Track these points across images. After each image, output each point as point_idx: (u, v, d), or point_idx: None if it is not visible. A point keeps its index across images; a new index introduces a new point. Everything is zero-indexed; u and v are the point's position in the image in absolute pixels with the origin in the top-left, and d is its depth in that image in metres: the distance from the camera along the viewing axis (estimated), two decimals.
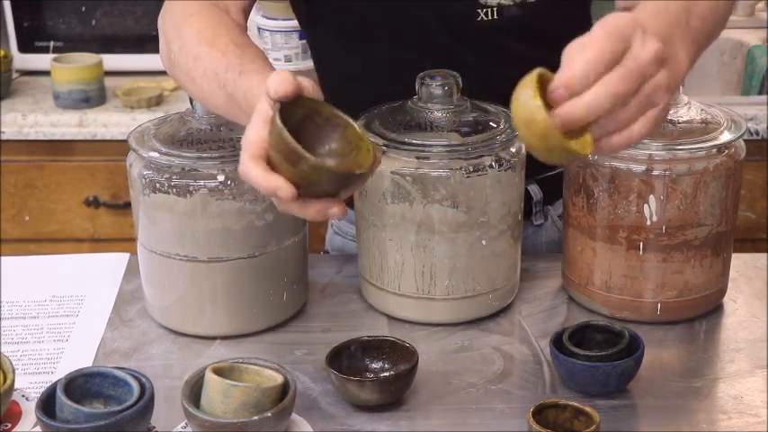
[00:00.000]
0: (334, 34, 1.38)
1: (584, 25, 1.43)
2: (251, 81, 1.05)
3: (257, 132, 0.95)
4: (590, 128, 0.90)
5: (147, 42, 2.39)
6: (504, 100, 1.27)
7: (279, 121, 0.92)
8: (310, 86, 0.98)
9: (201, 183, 1.16)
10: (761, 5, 2.60)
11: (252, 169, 0.94)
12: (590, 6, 1.43)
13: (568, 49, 0.89)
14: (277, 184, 0.93)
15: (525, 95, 0.88)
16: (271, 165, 0.94)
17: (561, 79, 0.88)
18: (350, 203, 1.43)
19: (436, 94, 1.22)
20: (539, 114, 0.87)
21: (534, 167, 1.28)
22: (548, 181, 1.40)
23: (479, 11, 1.30)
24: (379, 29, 1.34)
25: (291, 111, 0.95)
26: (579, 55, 0.87)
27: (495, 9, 1.30)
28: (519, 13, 1.30)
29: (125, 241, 2.25)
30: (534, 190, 1.40)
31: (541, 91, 0.88)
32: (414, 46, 1.33)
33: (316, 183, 0.93)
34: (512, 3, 1.30)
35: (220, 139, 1.19)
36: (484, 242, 1.21)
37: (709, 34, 1.07)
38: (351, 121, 0.99)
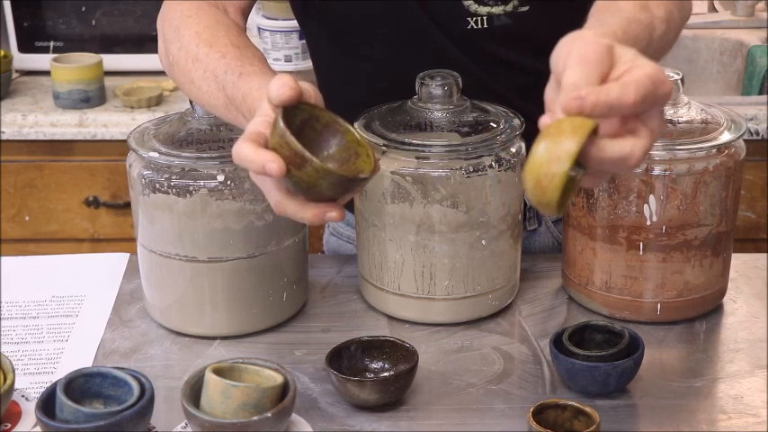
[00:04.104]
0: (330, 34, 1.38)
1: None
2: (250, 84, 1.05)
3: (257, 126, 0.95)
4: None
5: (147, 42, 2.39)
6: (502, 103, 1.28)
7: (282, 124, 0.92)
8: (312, 91, 0.98)
9: (201, 183, 1.16)
10: (761, 5, 2.60)
11: (243, 147, 0.93)
12: (587, 13, 1.43)
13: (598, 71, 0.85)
14: (267, 157, 0.91)
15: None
16: None
17: (592, 98, 0.83)
18: (348, 205, 1.43)
19: (436, 94, 1.22)
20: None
21: None
22: None
23: (469, 19, 1.30)
24: (375, 30, 1.34)
25: (292, 115, 0.95)
26: (620, 97, 0.83)
27: (484, 18, 1.30)
28: (509, 21, 1.30)
29: (125, 241, 2.25)
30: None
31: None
32: (412, 47, 1.33)
33: (317, 186, 0.93)
34: (502, 12, 1.30)
35: (220, 139, 1.19)
36: (484, 242, 1.21)
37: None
38: (350, 127, 0.99)
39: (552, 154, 0.82)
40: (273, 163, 0.91)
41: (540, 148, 0.83)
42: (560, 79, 0.86)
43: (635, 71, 0.84)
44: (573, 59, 0.85)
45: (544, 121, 0.85)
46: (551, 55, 0.89)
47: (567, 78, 0.84)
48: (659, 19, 1.06)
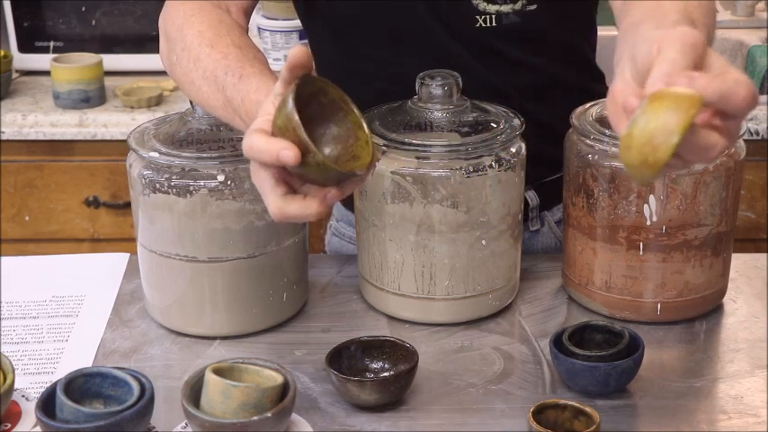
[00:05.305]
0: (333, 34, 1.38)
1: (584, 33, 1.43)
2: (249, 85, 1.05)
3: (260, 125, 0.94)
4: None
5: (147, 42, 2.39)
6: (504, 102, 1.28)
7: (291, 103, 0.89)
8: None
9: (201, 183, 1.16)
10: (761, 5, 2.59)
11: (255, 137, 0.91)
12: (594, 14, 1.43)
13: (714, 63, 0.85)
14: (281, 145, 0.89)
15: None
16: None
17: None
18: (349, 205, 1.43)
19: (436, 94, 1.22)
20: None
21: (532, 173, 1.29)
22: (545, 187, 1.40)
23: (478, 17, 1.30)
24: (378, 30, 1.35)
25: (302, 91, 0.93)
26: (732, 89, 0.82)
27: (493, 16, 1.30)
28: (518, 20, 1.30)
29: (125, 241, 2.25)
30: (531, 196, 1.39)
31: None
32: (414, 47, 1.33)
33: (313, 175, 0.92)
34: (510, 11, 1.30)
35: (220, 139, 1.19)
36: (484, 242, 1.21)
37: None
38: (355, 108, 0.97)
39: (669, 118, 0.81)
40: (288, 150, 0.88)
41: (656, 110, 0.82)
42: (644, 64, 0.84)
43: (736, 74, 0.83)
44: (676, 44, 0.83)
45: (631, 102, 0.83)
46: (634, 46, 0.87)
47: (669, 57, 0.82)
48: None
